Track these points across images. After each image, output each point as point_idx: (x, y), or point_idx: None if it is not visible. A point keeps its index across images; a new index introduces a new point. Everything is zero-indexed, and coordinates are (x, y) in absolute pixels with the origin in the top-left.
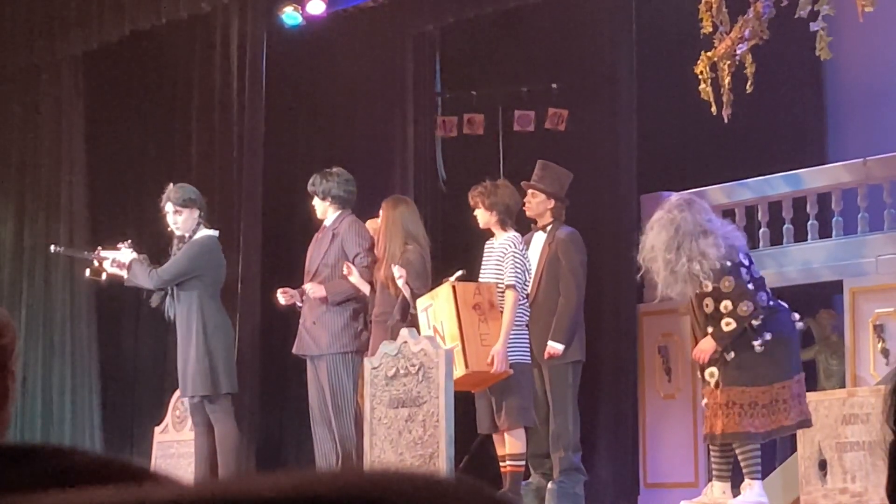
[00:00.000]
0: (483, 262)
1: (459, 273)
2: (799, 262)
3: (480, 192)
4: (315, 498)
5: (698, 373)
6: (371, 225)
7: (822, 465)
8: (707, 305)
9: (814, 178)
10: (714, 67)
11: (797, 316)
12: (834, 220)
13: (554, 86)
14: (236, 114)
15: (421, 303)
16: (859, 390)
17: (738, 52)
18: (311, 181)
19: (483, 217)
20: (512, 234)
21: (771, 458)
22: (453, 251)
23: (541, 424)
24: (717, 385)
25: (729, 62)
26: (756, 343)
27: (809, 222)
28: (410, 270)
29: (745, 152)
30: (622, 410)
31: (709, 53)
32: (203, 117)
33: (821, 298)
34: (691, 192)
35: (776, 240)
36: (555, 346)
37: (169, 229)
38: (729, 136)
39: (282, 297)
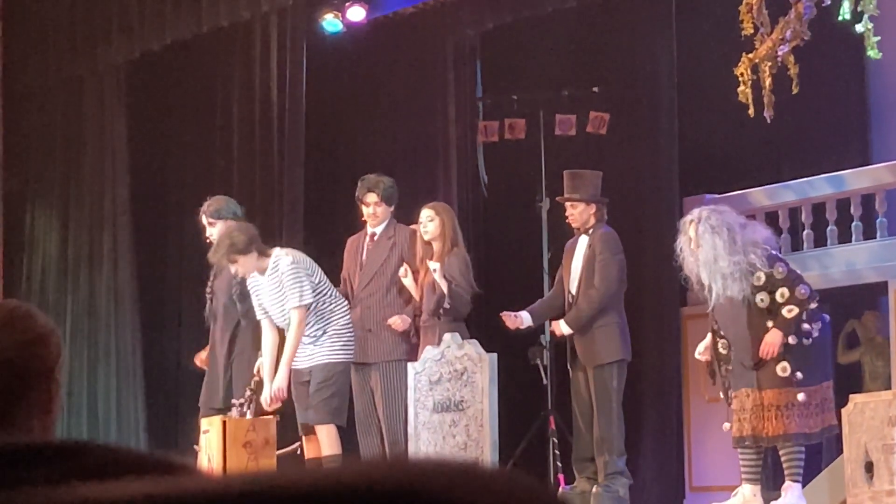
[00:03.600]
0: (267, 300)
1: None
2: (843, 263)
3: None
4: (352, 488)
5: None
6: None
7: (869, 468)
8: (762, 301)
9: (857, 179)
10: (755, 69)
11: (827, 318)
12: (878, 220)
13: (595, 89)
14: (277, 121)
15: (203, 424)
16: None
17: (780, 53)
18: (368, 186)
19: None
20: (281, 251)
21: (817, 461)
22: (495, 255)
23: (586, 428)
24: (798, 380)
25: (770, 63)
26: (813, 328)
27: (853, 223)
28: (454, 270)
29: (788, 154)
30: (666, 414)
31: (750, 55)
32: (244, 125)
33: (866, 300)
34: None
35: (820, 241)
36: (561, 327)
37: (209, 241)
38: (771, 138)
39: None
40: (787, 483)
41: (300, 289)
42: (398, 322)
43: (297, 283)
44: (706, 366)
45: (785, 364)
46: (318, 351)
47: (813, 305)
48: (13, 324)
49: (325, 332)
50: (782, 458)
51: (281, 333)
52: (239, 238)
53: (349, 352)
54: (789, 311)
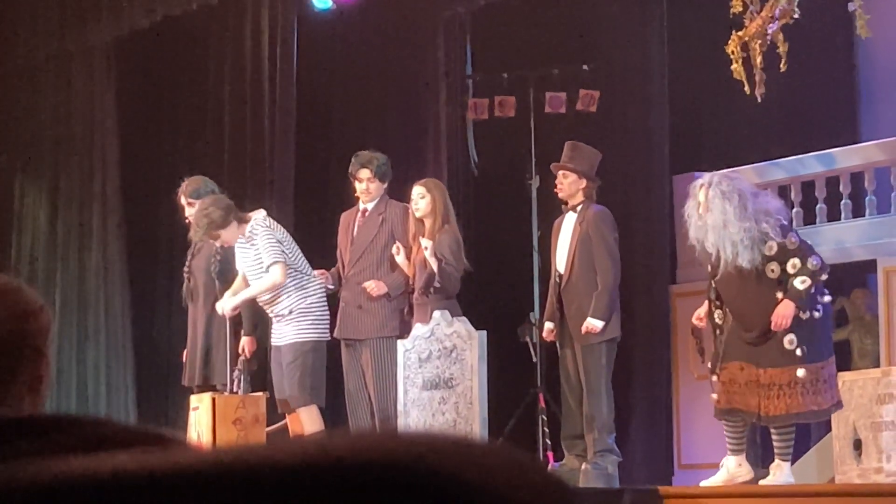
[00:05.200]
0: (245, 265)
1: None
2: (832, 241)
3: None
4: (342, 460)
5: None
6: None
7: (857, 445)
8: (772, 271)
9: (847, 158)
10: (745, 47)
11: (828, 295)
12: (867, 199)
13: (585, 67)
14: (268, 98)
15: (192, 401)
16: (894, 369)
17: (770, 31)
18: (362, 162)
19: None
20: (258, 216)
21: (806, 439)
22: (485, 233)
23: (575, 405)
24: (800, 356)
25: (760, 41)
26: (822, 301)
27: (843, 202)
28: (444, 248)
29: (778, 132)
30: (656, 391)
31: (739, 33)
32: (234, 102)
33: (855, 278)
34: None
35: (809, 219)
36: (594, 323)
37: (188, 221)
38: (761, 116)
39: (319, 278)
40: (777, 462)
41: (275, 246)
42: (373, 287)
43: (270, 241)
44: (695, 344)
45: (792, 337)
46: (287, 330)
47: (824, 277)
48: (2, 299)
49: (292, 311)
50: (774, 437)
51: (258, 315)
52: (215, 213)
53: (319, 330)
54: (802, 283)
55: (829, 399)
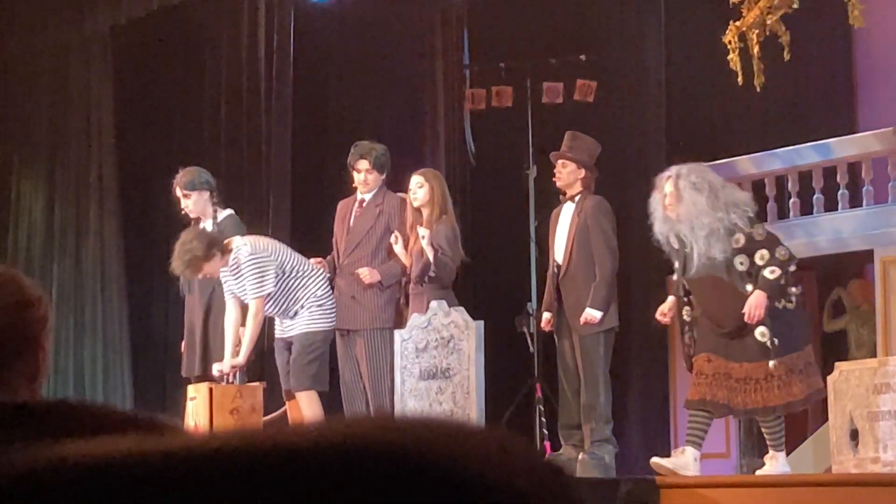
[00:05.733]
0: (236, 289)
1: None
2: (829, 231)
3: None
4: (339, 445)
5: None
6: None
7: (854, 435)
8: (741, 264)
9: (844, 148)
10: (743, 37)
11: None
12: (864, 189)
13: (582, 57)
14: (264, 89)
15: (190, 391)
16: (890, 360)
17: (767, 21)
18: (361, 153)
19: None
20: (240, 245)
21: (802, 429)
22: (482, 223)
23: (572, 395)
24: (772, 348)
25: (758, 31)
26: (794, 291)
27: (840, 192)
28: (441, 237)
29: (775, 122)
30: (652, 381)
31: (737, 23)
32: (231, 92)
33: (852, 268)
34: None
35: (806, 210)
36: (592, 314)
37: (183, 212)
38: (758, 106)
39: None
40: (772, 452)
41: (260, 279)
42: (366, 274)
43: (256, 273)
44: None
45: (764, 329)
46: (298, 322)
47: (793, 268)
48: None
49: (302, 307)
50: (763, 430)
51: (245, 311)
52: (197, 247)
53: (330, 319)
54: (772, 272)
55: (805, 389)
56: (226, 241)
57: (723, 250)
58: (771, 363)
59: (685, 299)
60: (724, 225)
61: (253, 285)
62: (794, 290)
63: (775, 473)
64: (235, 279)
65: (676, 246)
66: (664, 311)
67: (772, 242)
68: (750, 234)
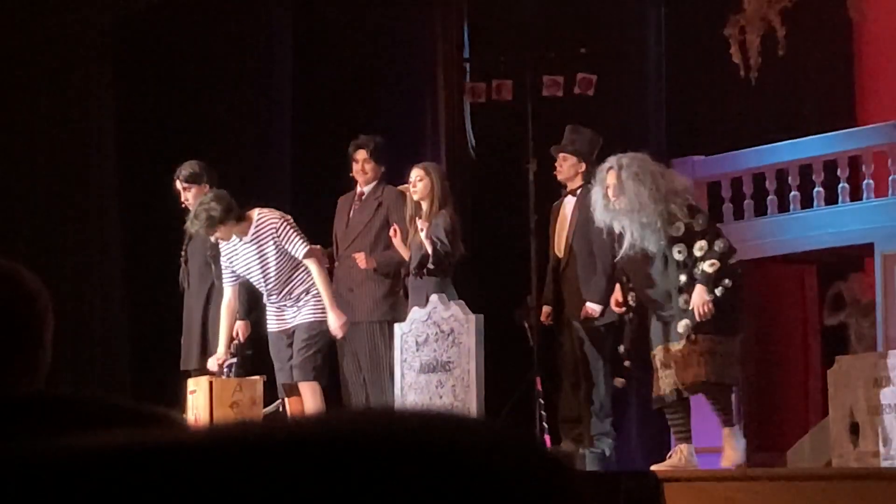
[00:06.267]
0: (244, 265)
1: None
2: (830, 225)
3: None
4: (341, 436)
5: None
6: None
7: (854, 429)
8: (679, 252)
9: (844, 141)
10: (743, 30)
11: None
12: (865, 182)
13: (582, 50)
14: (265, 81)
15: (190, 384)
16: (891, 353)
17: (767, 14)
18: (359, 144)
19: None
20: (264, 212)
21: (803, 422)
22: (482, 216)
23: (572, 390)
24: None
25: (757, 25)
26: (726, 283)
27: (840, 185)
28: (440, 230)
29: (776, 115)
30: (653, 374)
31: (738, 16)
32: (231, 83)
33: (852, 261)
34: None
35: (807, 203)
36: (592, 307)
37: (183, 205)
38: (759, 100)
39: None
40: (725, 430)
41: (300, 234)
42: (362, 258)
43: (296, 230)
44: None
45: (686, 322)
46: (301, 311)
47: (732, 261)
48: None
49: (307, 292)
50: (712, 408)
51: (254, 300)
52: (216, 208)
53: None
54: (711, 266)
55: (725, 375)
56: (247, 211)
57: (657, 241)
58: (699, 341)
59: (630, 285)
60: (662, 217)
61: (300, 239)
62: (727, 281)
63: (733, 461)
64: (251, 254)
65: (618, 230)
66: (619, 301)
67: (711, 234)
68: (690, 224)
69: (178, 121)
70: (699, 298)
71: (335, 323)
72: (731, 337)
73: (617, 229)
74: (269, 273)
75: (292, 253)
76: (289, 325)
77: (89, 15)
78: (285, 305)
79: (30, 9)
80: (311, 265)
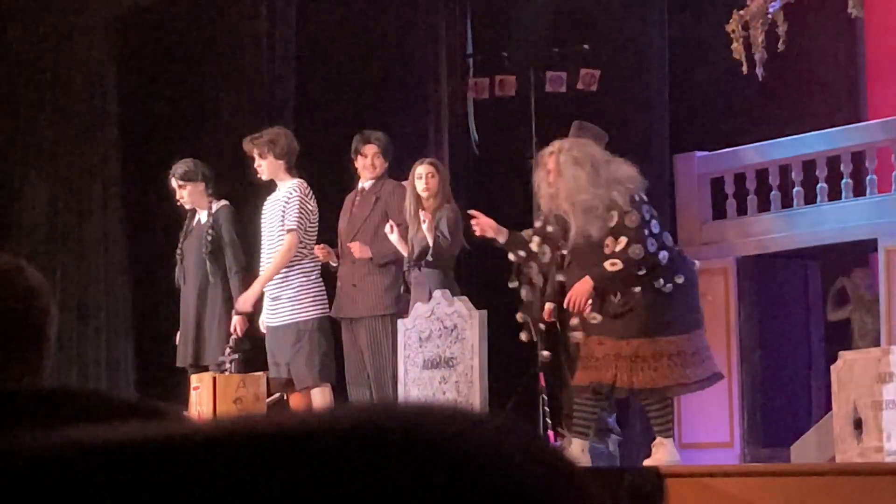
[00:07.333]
0: (266, 218)
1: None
2: (833, 220)
3: (267, 140)
4: (344, 429)
5: (576, 318)
6: None
7: (858, 424)
8: (607, 245)
9: (848, 137)
10: (746, 26)
11: (697, 263)
12: (868, 178)
13: (585, 46)
14: (267, 75)
15: (193, 380)
16: (894, 348)
17: (771, 10)
18: (367, 138)
19: (270, 167)
20: (297, 181)
21: (806, 418)
22: (484, 212)
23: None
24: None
25: (761, 20)
26: (666, 285)
27: (844, 181)
28: (442, 223)
29: (779, 111)
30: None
31: (741, 12)
32: (234, 77)
33: (855, 257)
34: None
35: (810, 199)
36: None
37: (179, 203)
38: (762, 95)
39: (320, 252)
40: (659, 440)
41: (300, 214)
42: (356, 247)
43: (301, 209)
44: None
45: (595, 314)
46: (283, 308)
47: (642, 272)
48: (3, 279)
49: (289, 286)
50: (650, 414)
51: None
52: (282, 142)
53: (319, 307)
54: (612, 265)
55: (699, 373)
56: (293, 170)
57: (600, 228)
58: (664, 342)
59: (576, 274)
60: (604, 203)
61: (293, 215)
62: (679, 279)
63: (664, 463)
64: (272, 217)
65: (565, 217)
66: (549, 310)
67: (636, 236)
68: (624, 217)
69: (177, 120)
70: (578, 286)
71: (244, 300)
72: (691, 334)
73: (563, 215)
74: (272, 236)
75: (283, 221)
76: (275, 324)
77: (92, 13)
78: (270, 298)
79: (32, 7)
80: (286, 242)
